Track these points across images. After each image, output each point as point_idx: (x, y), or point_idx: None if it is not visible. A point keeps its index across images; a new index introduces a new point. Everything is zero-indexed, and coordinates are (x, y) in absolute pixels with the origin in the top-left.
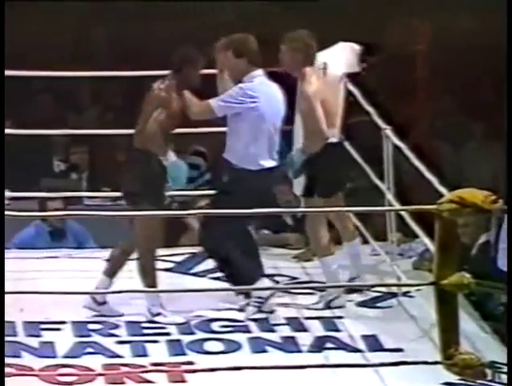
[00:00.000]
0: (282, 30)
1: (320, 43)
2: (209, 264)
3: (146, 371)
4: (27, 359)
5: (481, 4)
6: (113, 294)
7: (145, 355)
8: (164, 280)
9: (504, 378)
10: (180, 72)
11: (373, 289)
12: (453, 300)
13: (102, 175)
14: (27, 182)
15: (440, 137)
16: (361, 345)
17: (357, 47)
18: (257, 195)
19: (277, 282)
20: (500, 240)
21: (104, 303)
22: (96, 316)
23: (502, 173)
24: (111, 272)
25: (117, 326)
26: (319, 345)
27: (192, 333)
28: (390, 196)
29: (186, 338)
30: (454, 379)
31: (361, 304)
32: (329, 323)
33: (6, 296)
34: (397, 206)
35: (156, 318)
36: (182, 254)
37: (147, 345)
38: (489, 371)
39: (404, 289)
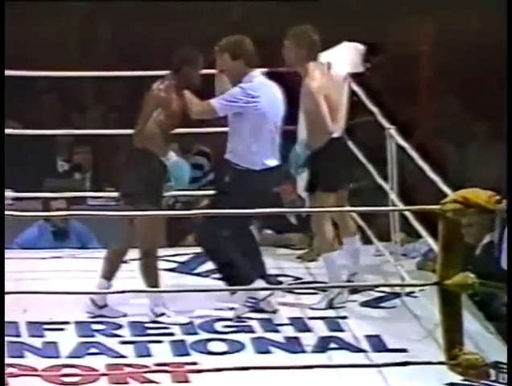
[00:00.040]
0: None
1: (327, 43)
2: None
3: (150, 372)
4: (31, 360)
5: (485, 4)
6: (116, 295)
7: (148, 356)
8: (168, 280)
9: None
10: (180, 72)
11: (376, 289)
12: (457, 300)
13: (106, 175)
14: (31, 182)
15: (444, 137)
16: (365, 345)
17: (361, 46)
18: (261, 194)
19: (280, 282)
20: (504, 241)
21: (104, 306)
22: (99, 316)
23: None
24: (108, 274)
25: (120, 327)
26: (322, 345)
27: (196, 333)
28: (393, 196)
29: (190, 339)
30: (458, 379)
31: (365, 304)
32: (333, 323)
33: (9, 296)
34: (400, 206)
35: (160, 319)
36: (185, 254)
37: (151, 345)
38: (492, 372)
39: (408, 289)
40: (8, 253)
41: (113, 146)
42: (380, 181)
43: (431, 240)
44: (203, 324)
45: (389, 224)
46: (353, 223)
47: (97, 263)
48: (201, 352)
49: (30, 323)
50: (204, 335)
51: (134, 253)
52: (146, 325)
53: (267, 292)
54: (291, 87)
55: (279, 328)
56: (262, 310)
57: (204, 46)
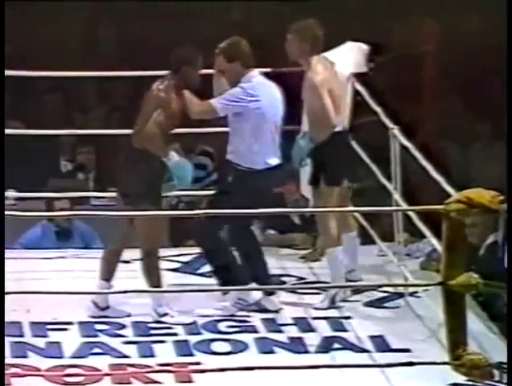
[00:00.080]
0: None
1: (327, 43)
2: None
3: (153, 372)
4: (34, 360)
5: (489, 4)
6: (119, 295)
7: (152, 356)
8: (171, 280)
9: None
10: (179, 72)
11: (380, 289)
12: (461, 300)
13: (109, 175)
14: (34, 182)
15: (448, 137)
16: (369, 345)
17: (364, 46)
18: (264, 194)
19: (284, 283)
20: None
21: (107, 308)
22: (102, 317)
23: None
24: (106, 275)
25: (123, 327)
26: (326, 345)
27: (199, 333)
28: (397, 196)
29: (193, 339)
30: (461, 379)
31: (369, 304)
32: (336, 323)
33: (13, 296)
34: (404, 206)
35: (163, 319)
36: (189, 254)
37: (154, 345)
38: (496, 372)
39: (411, 289)
40: (11, 253)
41: (117, 146)
42: (383, 181)
43: (434, 240)
44: (206, 324)
45: (392, 224)
46: (353, 220)
47: None
48: (205, 352)
49: (33, 323)
50: (207, 335)
51: (136, 253)
52: (150, 325)
53: (259, 296)
54: (290, 87)
55: (283, 328)
56: (265, 310)
57: (204, 46)
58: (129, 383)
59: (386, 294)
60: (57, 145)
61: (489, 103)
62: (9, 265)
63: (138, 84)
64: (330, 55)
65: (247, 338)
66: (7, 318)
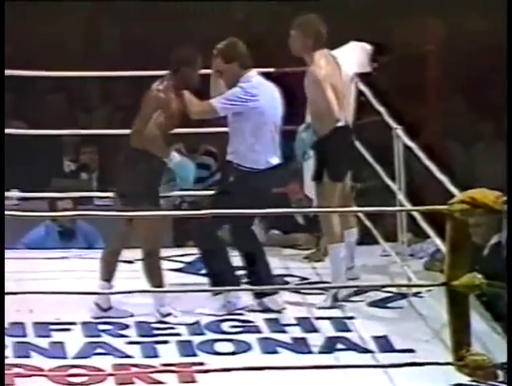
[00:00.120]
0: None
1: (332, 43)
2: None
3: (157, 372)
4: (37, 360)
5: (492, 4)
6: (122, 295)
7: (155, 356)
8: (174, 280)
9: None
10: (178, 73)
11: (383, 289)
12: (464, 301)
13: (112, 175)
14: (37, 182)
15: (451, 137)
16: (372, 346)
17: (368, 46)
18: (266, 194)
19: (287, 283)
20: None
21: (109, 309)
22: (106, 317)
23: None
24: (107, 276)
25: (127, 327)
26: (329, 346)
27: (203, 333)
28: (401, 196)
29: (196, 339)
30: (465, 380)
31: (372, 304)
32: (340, 324)
33: (16, 296)
34: (408, 206)
35: (166, 319)
36: (192, 254)
37: (157, 345)
38: (500, 373)
39: (415, 289)
40: (15, 253)
41: (120, 146)
42: (387, 181)
43: (438, 241)
44: (209, 324)
45: (396, 224)
46: (354, 217)
47: None
48: (208, 352)
49: (36, 323)
50: (210, 336)
51: (139, 253)
52: (153, 325)
53: (249, 302)
54: (291, 86)
55: (286, 328)
56: (268, 310)
57: (204, 46)
58: (132, 383)
59: (389, 295)
60: (60, 146)
61: (492, 103)
62: (12, 265)
63: (141, 83)
64: (334, 54)
65: (250, 338)
66: (11, 318)
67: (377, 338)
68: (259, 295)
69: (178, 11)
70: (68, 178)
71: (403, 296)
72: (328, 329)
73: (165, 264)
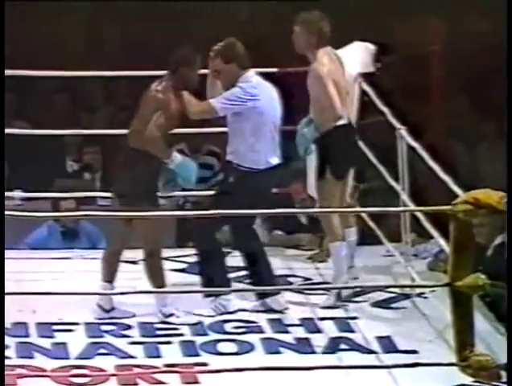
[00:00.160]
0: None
1: (334, 43)
2: None
3: (159, 372)
4: (40, 360)
5: (495, 4)
6: (125, 296)
7: (158, 356)
8: (177, 280)
9: None
10: (177, 73)
11: (387, 289)
12: (468, 301)
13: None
14: (41, 182)
15: (455, 138)
16: (375, 346)
17: (371, 46)
18: (266, 193)
19: (290, 283)
20: None
21: (112, 310)
22: (108, 318)
23: None
24: (108, 277)
25: (129, 327)
26: (332, 346)
27: (206, 334)
28: (404, 197)
29: (199, 339)
30: (469, 380)
31: (375, 305)
32: (343, 324)
33: (18, 297)
34: (412, 206)
35: (169, 319)
36: (195, 255)
37: (160, 346)
38: (504, 373)
39: (418, 290)
40: (17, 253)
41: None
42: (391, 181)
43: (442, 241)
44: (212, 325)
45: (399, 225)
46: (353, 217)
47: None
48: (211, 353)
49: (39, 324)
50: (213, 336)
51: (141, 254)
52: (156, 325)
53: (239, 305)
54: (291, 86)
55: (289, 329)
56: (271, 310)
57: (204, 46)
58: (135, 383)
59: (393, 295)
60: (63, 146)
61: (496, 103)
62: (15, 266)
63: (143, 84)
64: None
65: (253, 338)
66: (13, 318)
67: (380, 339)
68: (262, 295)
69: (178, 11)
70: (70, 178)
71: (407, 296)
72: (331, 329)
73: (168, 265)
